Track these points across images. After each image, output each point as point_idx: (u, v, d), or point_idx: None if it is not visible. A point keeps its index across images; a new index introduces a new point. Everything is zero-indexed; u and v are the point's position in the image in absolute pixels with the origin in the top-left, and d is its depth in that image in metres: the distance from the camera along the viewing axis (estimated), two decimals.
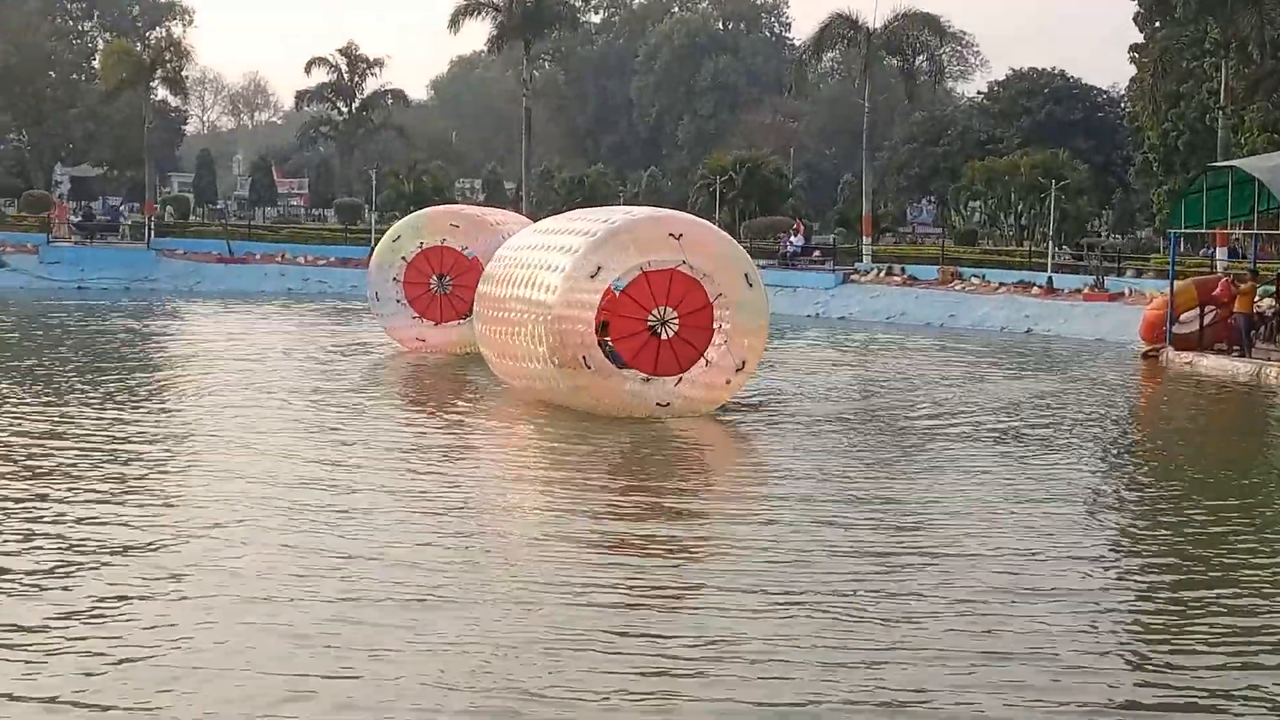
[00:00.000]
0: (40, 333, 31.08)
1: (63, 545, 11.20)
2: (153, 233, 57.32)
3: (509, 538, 12.59)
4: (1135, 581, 11.41)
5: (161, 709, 7.73)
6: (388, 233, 31.27)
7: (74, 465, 14.72)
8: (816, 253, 55.83)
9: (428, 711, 7.79)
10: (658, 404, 18.82)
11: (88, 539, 11.45)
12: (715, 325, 18.96)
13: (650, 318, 18.72)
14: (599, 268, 18.46)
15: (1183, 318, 30.39)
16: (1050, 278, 44.67)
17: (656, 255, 18.75)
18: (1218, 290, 30.87)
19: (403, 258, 28.73)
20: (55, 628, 9.03)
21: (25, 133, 78.98)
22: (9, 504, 12.59)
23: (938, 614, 9.76)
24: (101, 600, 9.67)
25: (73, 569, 10.50)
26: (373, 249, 34.02)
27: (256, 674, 8.30)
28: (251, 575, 10.55)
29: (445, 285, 28.29)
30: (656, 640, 9.07)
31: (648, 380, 18.80)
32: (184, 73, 74.26)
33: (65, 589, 10.00)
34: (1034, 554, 11.70)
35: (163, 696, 7.90)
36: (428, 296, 28.58)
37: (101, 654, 8.55)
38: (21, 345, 28.27)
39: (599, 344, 18.55)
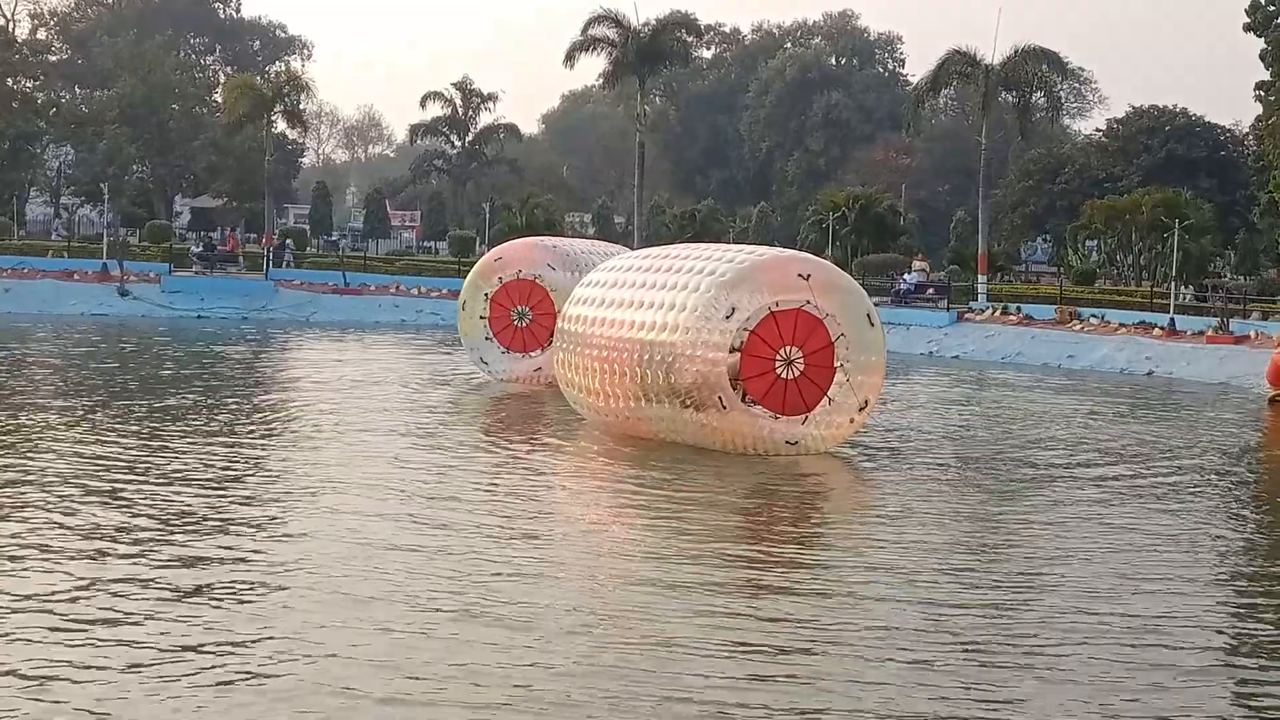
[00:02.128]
0: (163, 361, 31.79)
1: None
2: (271, 263, 58.37)
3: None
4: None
5: None
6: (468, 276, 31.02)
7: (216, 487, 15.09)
8: (931, 290, 55.58)
9: None
10: (787, 442, 18.77)
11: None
12: (837, 364, 18.95)
13: (778, 358, 18.74)
14: (733, 309, 18.47)
15: None
16: (1173, 319, 44.08)
17: (785, 296, 18.74)
18: None
19: (488, 289, 28.76)
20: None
21: (149, 164, 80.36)
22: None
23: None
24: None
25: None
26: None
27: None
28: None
29: (524, 317, 28.13)
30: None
31: (776, 419, 18.77)
32: (302, 106, 75.72)
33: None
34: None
35: None
36: (511, 329, 28.38)
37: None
38: (134, 372, 28.92)
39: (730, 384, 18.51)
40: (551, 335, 23.27)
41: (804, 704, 8.70)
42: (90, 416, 21.21)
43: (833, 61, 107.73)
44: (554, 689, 8.75)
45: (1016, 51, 65.32)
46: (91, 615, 10.00)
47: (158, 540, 12.55)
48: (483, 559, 12.43)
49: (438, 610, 10.50)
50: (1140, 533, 14.88)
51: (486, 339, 28.86)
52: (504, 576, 11.79)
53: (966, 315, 49.78)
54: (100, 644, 9.30)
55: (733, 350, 18.46)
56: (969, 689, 9.05)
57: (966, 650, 9.95)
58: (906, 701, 8.74)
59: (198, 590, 10.85)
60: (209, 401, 23.88)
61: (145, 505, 14.18)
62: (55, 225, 77.51)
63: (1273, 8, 62.34)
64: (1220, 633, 11.05)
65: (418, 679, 8.86)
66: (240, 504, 14.66)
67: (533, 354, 27.31)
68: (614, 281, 21.13)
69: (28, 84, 79.83)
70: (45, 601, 10.30)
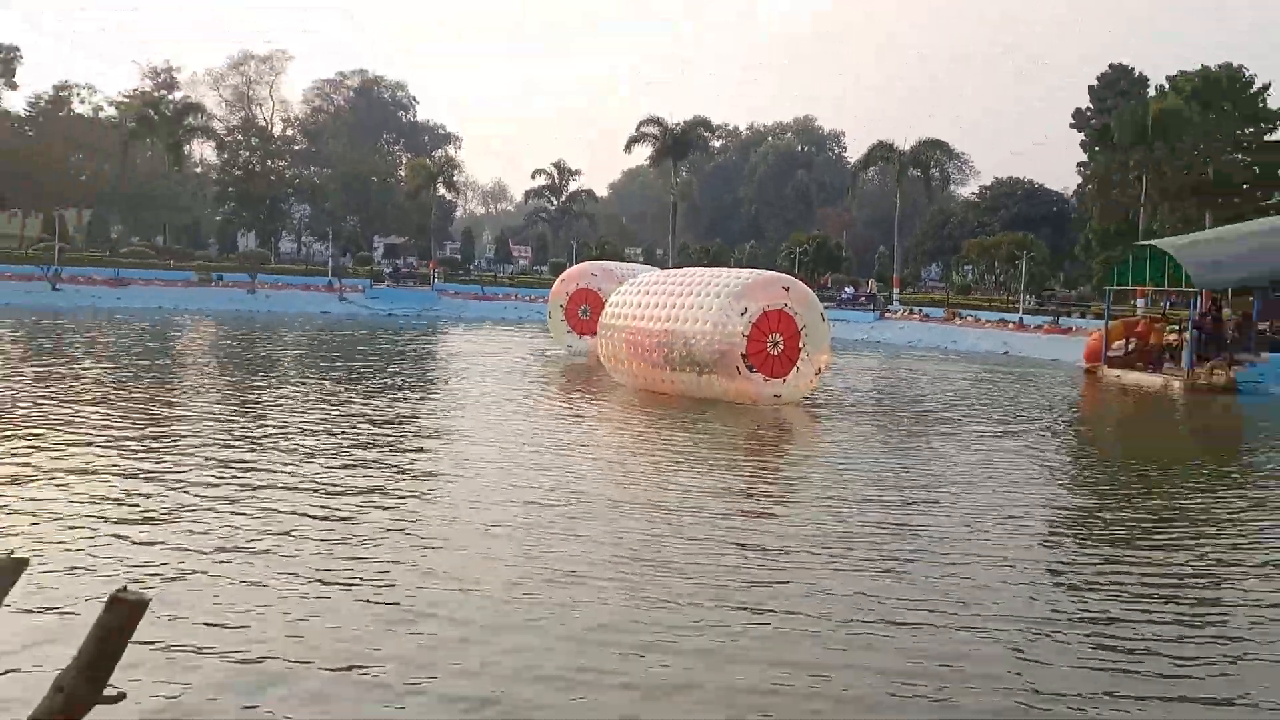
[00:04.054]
0: (371, 343, 32.21)
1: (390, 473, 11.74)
2: (435, 278, 58.96)
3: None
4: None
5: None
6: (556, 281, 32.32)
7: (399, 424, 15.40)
8: (862, 299, 55.56)
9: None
10: (774, 395, 18.90)
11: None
12: (802, 345, 19.15)
13: (768, 341, 18.88)
14: (745, 309, 18.64)
15: (1114, 346, 29.91)
16: (1021, 317, 44.09)
17: (773, 301, 18.90)
18: (1139, 328, 30.34)
19: (564, 296, 30.09)
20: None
21: (358, 216, 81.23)
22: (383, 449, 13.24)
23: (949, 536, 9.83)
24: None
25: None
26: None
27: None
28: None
29: (586, 313, 28.81)
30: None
31: (766, 380, 18.89)
32: (455, 178, 76.27)
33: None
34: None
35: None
36: (579, 320, 29.38)
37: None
38: (357, 349, 29.37)
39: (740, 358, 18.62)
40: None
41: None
42: (331, 377, 21.58)
43: (799, 149, 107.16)
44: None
45: (920, 142, 65.29)
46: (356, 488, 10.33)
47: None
48: (556, 468, 12.64)
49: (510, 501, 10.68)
50: (995, 452, 15.00)
51: (564, 328, 30.09)
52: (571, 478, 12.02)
53: (886, 315, 49.90)
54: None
55: (742, 336, 18.60)
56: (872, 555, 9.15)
57: (870, 525, 10.03)
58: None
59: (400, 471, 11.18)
60: (390, 366, 24.33)
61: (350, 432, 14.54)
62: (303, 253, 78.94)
63: (1089, 113, 61.80)
64: (1038, 519, 11.15)
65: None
66: (420, 425, 14.97)
67: (589, 337, 27.09)
68: (645, 290, 20.82)
69: (280, 164, 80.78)
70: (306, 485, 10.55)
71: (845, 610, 7.31)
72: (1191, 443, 18.67)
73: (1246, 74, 56.02)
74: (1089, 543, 9.89)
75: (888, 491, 11.67)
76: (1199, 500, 12.02)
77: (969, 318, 46.19)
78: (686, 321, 19.15)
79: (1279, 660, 6.75)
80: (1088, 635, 7.03)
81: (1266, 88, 55.67)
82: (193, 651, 6.05)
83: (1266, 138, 55.37)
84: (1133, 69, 62.72)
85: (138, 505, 9.37)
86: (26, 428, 13.01)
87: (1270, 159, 53.76)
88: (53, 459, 11.17)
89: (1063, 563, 9.09)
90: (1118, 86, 60.23)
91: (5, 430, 12.81)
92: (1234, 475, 14.21)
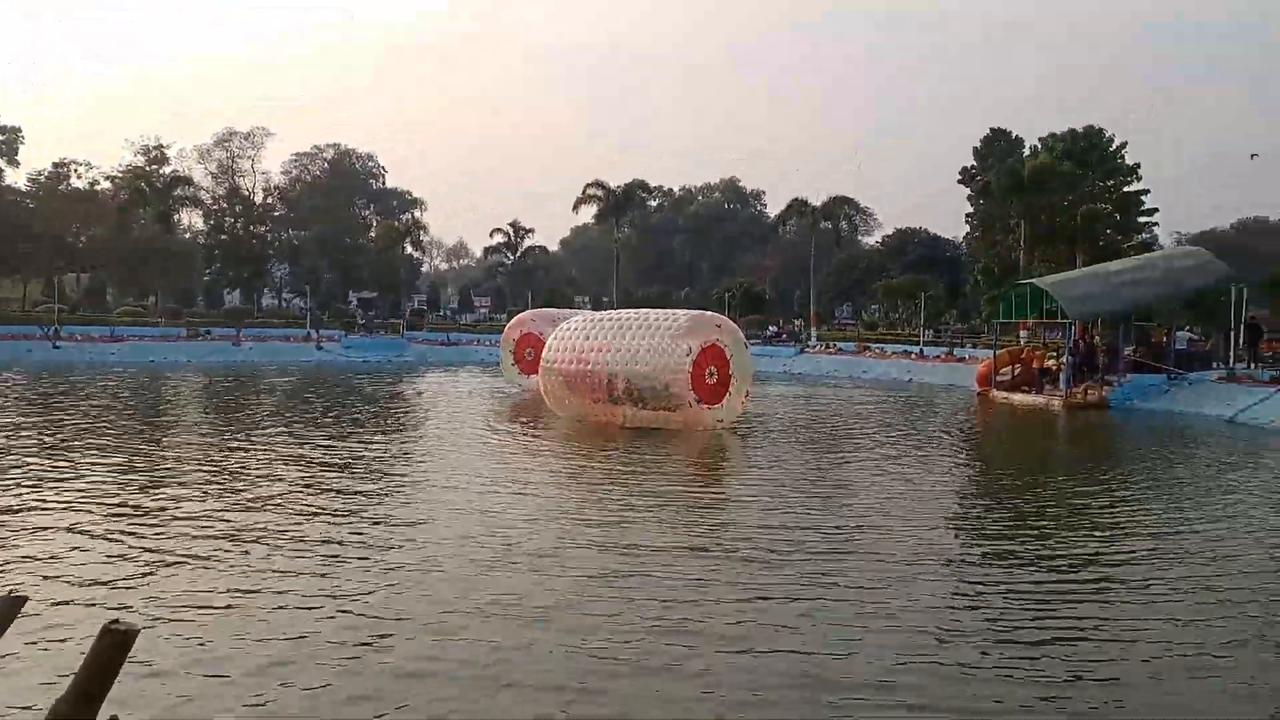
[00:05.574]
0: (339, 388, 31.85)
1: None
2: (404, 329, 58.48)
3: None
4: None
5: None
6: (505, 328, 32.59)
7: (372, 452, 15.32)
8: (784, 335, 56.13)
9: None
10: (717, 420, 19.00)
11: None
12: (731, 375, 19.32)
13: (706, 372, 18.90)
14: (690, 348, 18.64)
15: (1001, 371, 30.48)
16: (922, 349, 44.73)
17: (708, 337, 19.01)
18: (1023, 355, 31.01)
19: (511, 341, 30.44)
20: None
21: (334, 273, 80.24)
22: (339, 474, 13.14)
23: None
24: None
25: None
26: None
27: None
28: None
29: (530, 354, 28.65)
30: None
31: (709, 408, 18.92)
32: (421, 238, 75.98)
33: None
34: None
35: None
36: (525, 361, 29.36)
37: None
38: (331, 395, 29.05)
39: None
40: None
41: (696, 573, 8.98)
42: (301, 420, 21.28)
43: (725, 206, 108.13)
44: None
45: (830, 199, 66.42)
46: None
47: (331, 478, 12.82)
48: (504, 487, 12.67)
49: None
50: (900, 463, 15.31)
51: (515, 370, 30.24)
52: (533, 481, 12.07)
53: (805, 350, 50.34)
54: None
55: (687, 372, 18.52)
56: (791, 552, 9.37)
57: (797, 525, 10.23)
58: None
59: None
60: (365, 405, 24.09)
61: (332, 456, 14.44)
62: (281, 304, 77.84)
63: (974, 170, 63.32)
64: (935, 522, 11.46)
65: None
66: (391, 458, 14.89)
67: (534, 376, 26.35)
68: (583, 333, 20.18)
69: (261, 228, 79.89)
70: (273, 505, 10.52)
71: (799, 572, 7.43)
72: (1071, 450, 19.18)
73: (1107, 134, 58.02)
74: (984, 534, 10.16)
75: (811, 495, 11.86)
76: (1078, 493, 12.43)
77: (877, 350, 46.74)
78: (633, 362, 18.86)
79: (1147, 601, 7.02)
80: (954, 576, 7.22)
81: (1124, 145, 57.71)
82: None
83: (1125, 189, 57.30)
84: (1010, 131, 64.46)
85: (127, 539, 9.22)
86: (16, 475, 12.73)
87: (1127, 206, 55.81)
88: (37, 497, 10.96)
89: (964, 544, 9.35)
90: (997, 147, 61.79)
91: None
92: (1106, 474, 14.65)
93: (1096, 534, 10.09)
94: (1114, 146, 57.59)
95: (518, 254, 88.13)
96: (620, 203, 72.74)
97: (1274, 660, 6.43)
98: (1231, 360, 28.66)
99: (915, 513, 10.98)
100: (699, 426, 18.67)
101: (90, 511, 10.11)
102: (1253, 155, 79.14)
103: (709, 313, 23.22)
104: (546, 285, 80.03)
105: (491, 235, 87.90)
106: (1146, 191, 57.03)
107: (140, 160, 70.41)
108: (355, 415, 21.38)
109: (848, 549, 9.16)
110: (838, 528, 10.10)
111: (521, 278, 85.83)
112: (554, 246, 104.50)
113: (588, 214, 76.35)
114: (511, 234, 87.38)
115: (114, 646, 2.41)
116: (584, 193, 72.43)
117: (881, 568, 8.46)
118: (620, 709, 5.40)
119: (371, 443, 16.61)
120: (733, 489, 13.18)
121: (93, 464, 13.35)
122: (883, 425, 21.42)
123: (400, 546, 8.94)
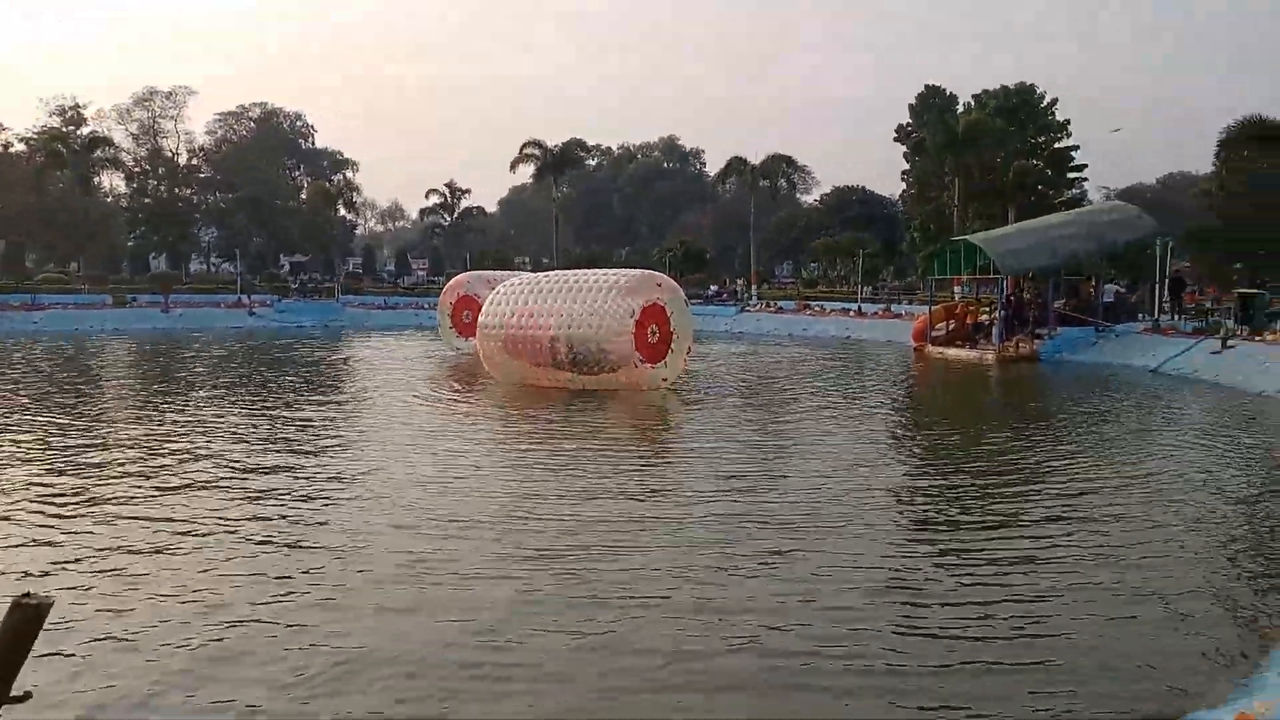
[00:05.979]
0: (276, 354, 31.27)
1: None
2: (341, 291, 57.40)
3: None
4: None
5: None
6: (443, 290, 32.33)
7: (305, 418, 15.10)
8: (725, 295, 56.35)
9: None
10: (663, 379, 19.01)
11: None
12: (672, 333, 19.35)
13: (649, 331, 18.84)
14: (634, 309, 18.50)
15: (937, 327, 30.89)
16: (860, 306, 45.24)
17: (650, 297, 18.92)
18: (957, 310, 31.49)
19: (448, 305, 30.29)
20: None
21: (264, 236, 78.31)
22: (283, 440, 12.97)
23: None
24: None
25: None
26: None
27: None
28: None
29: (468, 317, 28.33)
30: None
31: (651, 366, 18.88)
32: (354, 199, 74.39)
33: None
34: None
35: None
36: (463, 324, 29.22)
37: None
38: (268, 360, 28.51)
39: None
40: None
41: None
42: (243, 387, 20.91)
43: (665, 165, 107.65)
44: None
45: (769, 157, 66.50)
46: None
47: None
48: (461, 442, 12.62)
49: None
50: (839, 419, 15.58)
51: (452, 333, 30.08)
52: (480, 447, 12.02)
53: (746, 308, 50.57)
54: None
55: (631, 333, 18.39)
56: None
57: (736, 478, 10.42)
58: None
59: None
60: (304, 369, 23.67)
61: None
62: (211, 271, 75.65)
63: (909, 128, 63.87)
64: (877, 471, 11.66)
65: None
66: (330, 425, 14.73)
67: (472, 339, 25.65)
68: (522, 295, 19.82)
69: (187, 191, 77.54)
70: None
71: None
72: (1003, 400, 19.66)
73: (1039, 91, 58.83)
74: (927, 476, 10.41)
75: (755, 450, 12.00)
76: (1012, 441, 12.77)
77: (817, 308, 47.07)
78: (576, 325, 18.62)
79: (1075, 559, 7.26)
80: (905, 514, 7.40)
81: (1055, 102, 58.59)
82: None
83: (1056, 145, 58.29)
84: (944, 89, 64.96)
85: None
86: None
87: (1059, 162, 56.85)
88: None
89: (907, 489, 9.57)
90: (932, 104, 62.24)
91: None
92: (1039, 422, 15.06)
93: (1028, 478, 10.41)
94: (1045, 103, 58.44)
95: (455, 215, 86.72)
96: (558, 162, 71.95)
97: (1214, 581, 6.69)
98: (1156, 313, 29.52)
99: (844, 464, 11.18)
100: (643, 386, 18.66)
101: (6, 493, 9.77)
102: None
103: (650, 271, 23.15)
104: (485, 247, 79.17)
105: (427, 196, 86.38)
106: (1076, 148, 58.06)
107: (56, 121, 67.62)
108: (271, 385, 20.84)
109: (776, 504, 9.29)
110: (771, 486, 10.21)
111: (459, 239, 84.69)
112: (492, 207, 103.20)
113: (525, 174, 75.53)
114: (448, 195, 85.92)
115: (26, 620, 2.35)
116: (521, 152, 71.47)
117: (814, 521, 8.60)
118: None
119: (291, 419, 16.30)
120: (672, 443, 13.23)
121: (12, 439, 12.92)
122: (824, 379, 21.67)
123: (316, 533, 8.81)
